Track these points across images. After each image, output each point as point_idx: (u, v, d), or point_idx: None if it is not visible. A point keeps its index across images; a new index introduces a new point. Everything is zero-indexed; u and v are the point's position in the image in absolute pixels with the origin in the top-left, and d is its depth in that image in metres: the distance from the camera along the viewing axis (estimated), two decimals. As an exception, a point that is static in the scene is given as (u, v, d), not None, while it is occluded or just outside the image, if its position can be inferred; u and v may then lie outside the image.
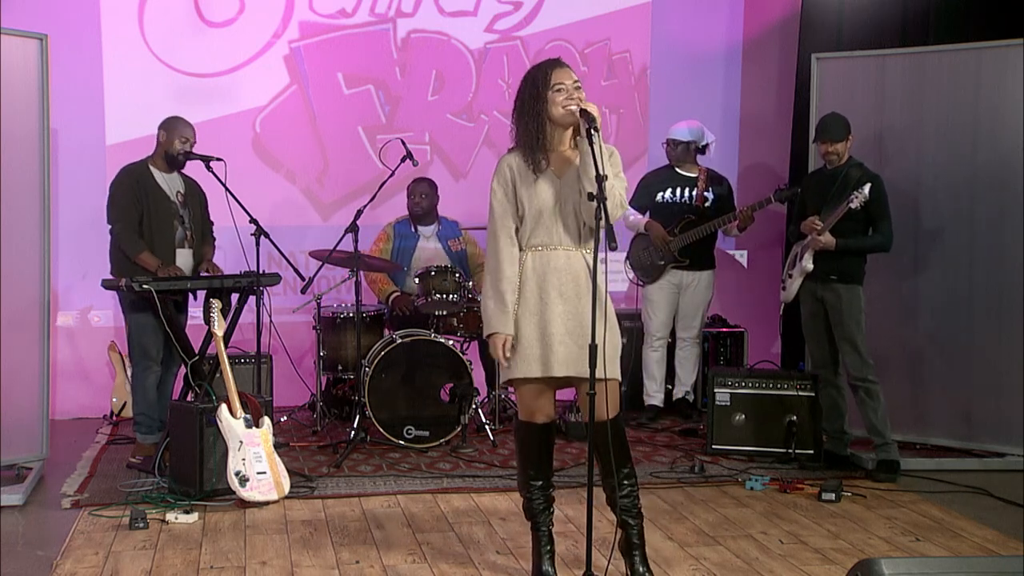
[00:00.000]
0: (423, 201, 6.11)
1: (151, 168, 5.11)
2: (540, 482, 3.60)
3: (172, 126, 5.13)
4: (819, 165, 5.71)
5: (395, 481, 4.90)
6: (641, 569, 3.57)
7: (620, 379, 3.56)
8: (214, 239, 5.36)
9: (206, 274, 5.08)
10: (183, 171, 5.23)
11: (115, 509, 4.43)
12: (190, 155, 5.10)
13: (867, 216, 5.00)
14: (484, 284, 3.57)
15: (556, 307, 3.47)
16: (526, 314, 3.48)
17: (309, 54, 6.69)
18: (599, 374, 3.32)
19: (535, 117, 3.49)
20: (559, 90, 3.45)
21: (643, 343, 6.16)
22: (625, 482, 3.57)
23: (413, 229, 6.20)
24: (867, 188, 4.86)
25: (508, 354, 3.48)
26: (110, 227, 5.07)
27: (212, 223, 5.36)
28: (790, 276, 5.19)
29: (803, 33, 6.85)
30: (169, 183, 5.14)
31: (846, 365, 5.09)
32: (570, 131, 3.53)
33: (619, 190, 3.47)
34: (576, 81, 3.48)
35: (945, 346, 5.46)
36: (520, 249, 3.53)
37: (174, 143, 5.10)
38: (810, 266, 5.06)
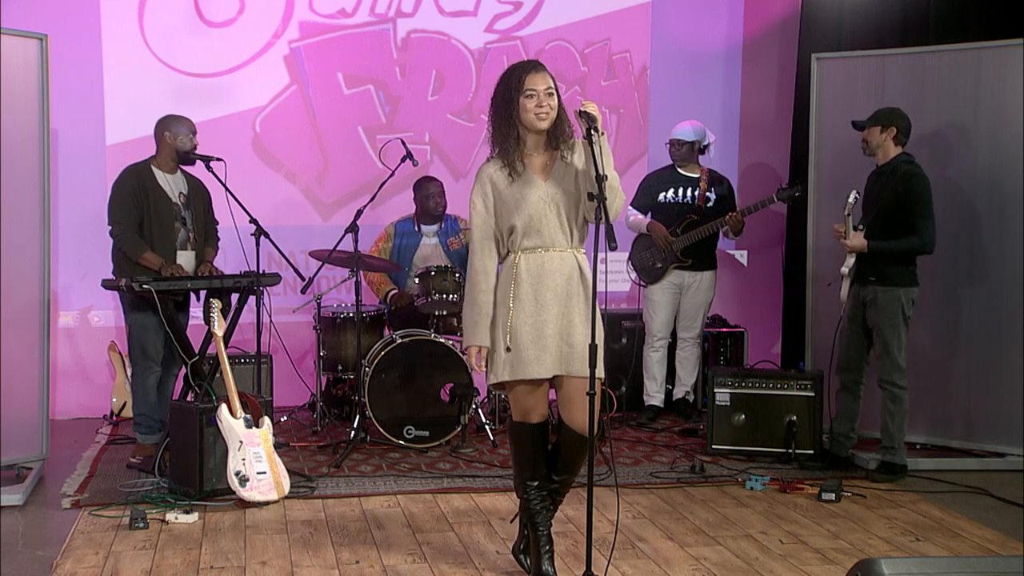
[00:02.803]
0: (443, 200, 6.14)
1: (154, 169, 5.10)
2: (536, 482, 3.61)
3: (177, 123, 5.10)
4: (817, 163, 5.73)
5: (395, 481, 4.90)
6: (546, 568, 3.60)
7: (603, 376, 3.53)
8: (218, 239, 5.36)
9: (204, 275, 5.08)
10: (187, 171, 5.23)
11: (115, 509, 4.43)
12: (195, 154, 5.10)
13: (906, 216, 4.91)
14: (465, 294, 3.62)
15: (552, 309, 3.49)
16: (521, 315, 3.49)
17: (309, 54, 6.69)
18: (586, 371, 3.39)
19: (507, 121, 3.50)
20: (530, 96, 3.45)
21: (644, 343, 6.17)
22: (556, 479, 3.67)
23: (416, 228, 6.20)
24: (852, 195, 4.86)
25: (483, 364, 3.54)
26: (110, 228, 5.07)
27: (217, 223, 5.36)
28: (842, 277, 5.14)
29: (803, 33, 6.85)
30: (172, 184, 5.13)
31: (878, 365, 5.06)
32: (543, 135, 3.53)
33: (615, 183, 3.44)
34: (549, 87, 3.46)
35: (945, 346, 5.46)
36: (512, 252, 3.54)
37: (185, 139, 5.09)
38: (845, 270, 5.02)
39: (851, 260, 5.02)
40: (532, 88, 3.45)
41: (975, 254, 5.37)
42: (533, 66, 3.51)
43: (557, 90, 3.51)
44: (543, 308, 3.48)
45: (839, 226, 5.04)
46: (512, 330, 3.49)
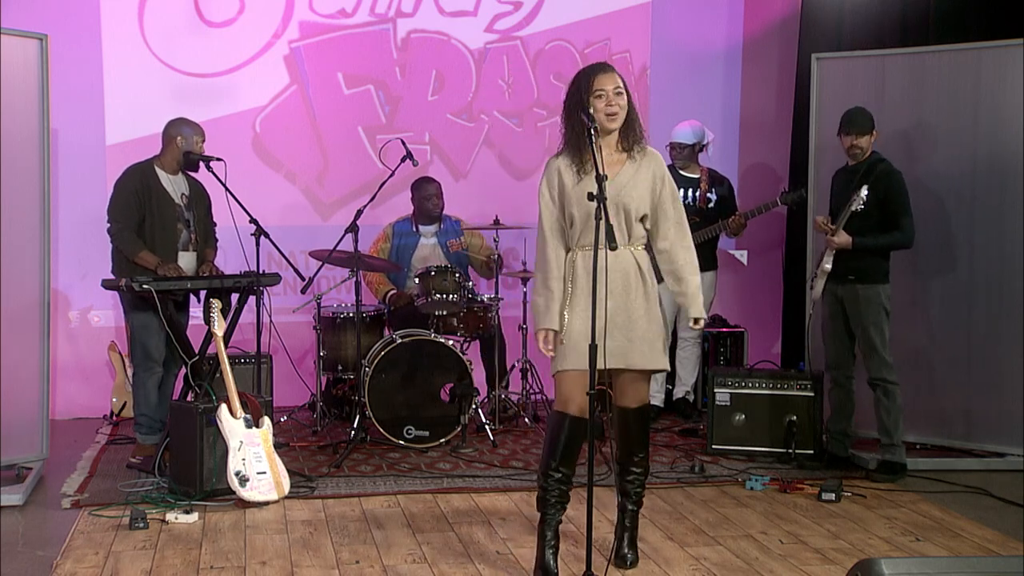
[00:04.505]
0: (440, 201, 6.14)
1: (157, 169, 5.11)
2: (559, 474, 3.60)
3: (190, 128, 5.10)
4: (817, 163, 5.72)
5: (395, 481, 4.90)
6: (625, 551, 3.78)
7: (668, 369, 3.79)
8: (216, 240, 5.36)
9: (205, 275, 5.08)
10: (189, 173, 5.22)
11: (115, 509, 4.43)
12: (196, 155, 5.10)
13: (886, 213, 4.95)
14: (535, 282, 3.70)
15: (606, 304, 3.51)
16: (576, 310, 3.56)
17: (309, 54, 6.69)
18: (647, 364, 3.59)
19: (579, 121, 3.54)
20: (599, 96, 3.52)
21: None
22: (634, 469, 3.75)
23: (415, 228, 6.20)
24: (863, 191, 4.85)
25: (553, 347, 3.60)
26: (108, 226, 5.06)
27: (215, 224, 5.36)
28: (816, 276, 5.15)
29: (803, 33, 6.85)
30: (174, 185, 5.13)
31: (866, 364, 5.08)
32: (614, 135, 3.59)
33: (690, 260, 3.70)
34: (618, 87, 3.54)
35: (945, 346, 5.46)
36: (570, 249, 3.62)
37: (196, 144, 5.09)
38: (828, 266, 5.02)
39: (830, 257, 5.03)
40: (601, 88, 3.52)
41: (976, 254, 5.37)
42: (601, 67, 3.60)
43: (628, 91, 3.58)
44: (597, 303, 3.51)
45: (823, 219, 5.05)
46: (567, 323, 3.56)
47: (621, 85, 3.55)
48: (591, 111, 3.50)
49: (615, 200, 3.53)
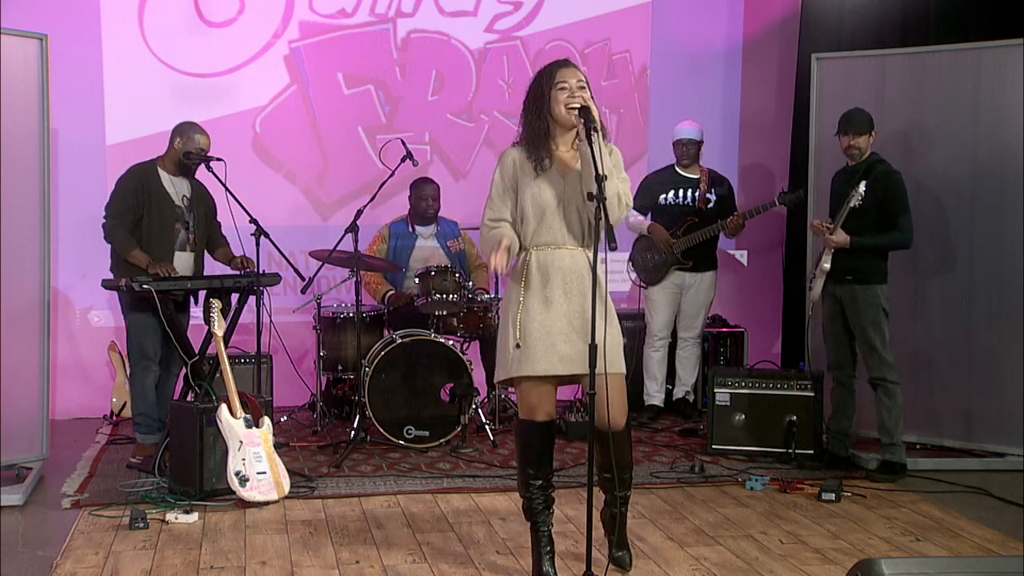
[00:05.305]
0: (435, 204, 6.14)
1: (159, 170, 5.11)
2: (540, 482, 3.61)
3: (194, 130, 5.10)
4: (817, 163, 5.73)
5: (395, 481, 4.90)
6: (619, 553, 3.74)
7: (625, 372, 3.60)
8: (224, 237, 5.36)
9: (241, 270, 5.08)
10: (190, 175, 5.23)
11: (115, 509, 4.43)
12: (195, 155, 5.09)
13: (885, 213, 4.96)
14: (484, 238, 3.59)
15: (560, 306, 3.50)
16: (531, 312, 3.51)
17: (309, 54, 6.69)
18: (609, 368, 3.42)
19: (538, 114, 3.52)
20: (562, 88, 3.49)
21: (644, 343, 6.17)
22: (623, 476, 3.69)
23: (411, 229, 6.20)
24: (862, 187, 4.85)
25: (505, 258, 3.45)
26: (103, 221, 5.06)
27: (219, 224, 5.36)
28: (815, 276, 5.16)
29: (803, 33, 6.85)
30: (176, 186, 5.13)
31: (866, 364, 5.08)
32: (573, 131, 3.55)
33: (622, 189, 3.49)
34: (580, 80, 3.50)
35: (945, 346, 5.46)
36: (524, 248, 3.57)
37: (198, 145, 5.09)
38: (827, 266, 5.02)
39: (829, 257, 5.03)
40: (564, 81, 3.49)
41: (976, 254, 5.37)
42: (565, 62, 3.57)
43: (590, 89, 3.54)
44: (552, 305, 3.50)
45: (819, 221, 5.06)
46: (522, 326, 3.51)
47: (584, 80, 3.52)
48: (552, 103, 3.46)
49: (571, 198, 3.49)
